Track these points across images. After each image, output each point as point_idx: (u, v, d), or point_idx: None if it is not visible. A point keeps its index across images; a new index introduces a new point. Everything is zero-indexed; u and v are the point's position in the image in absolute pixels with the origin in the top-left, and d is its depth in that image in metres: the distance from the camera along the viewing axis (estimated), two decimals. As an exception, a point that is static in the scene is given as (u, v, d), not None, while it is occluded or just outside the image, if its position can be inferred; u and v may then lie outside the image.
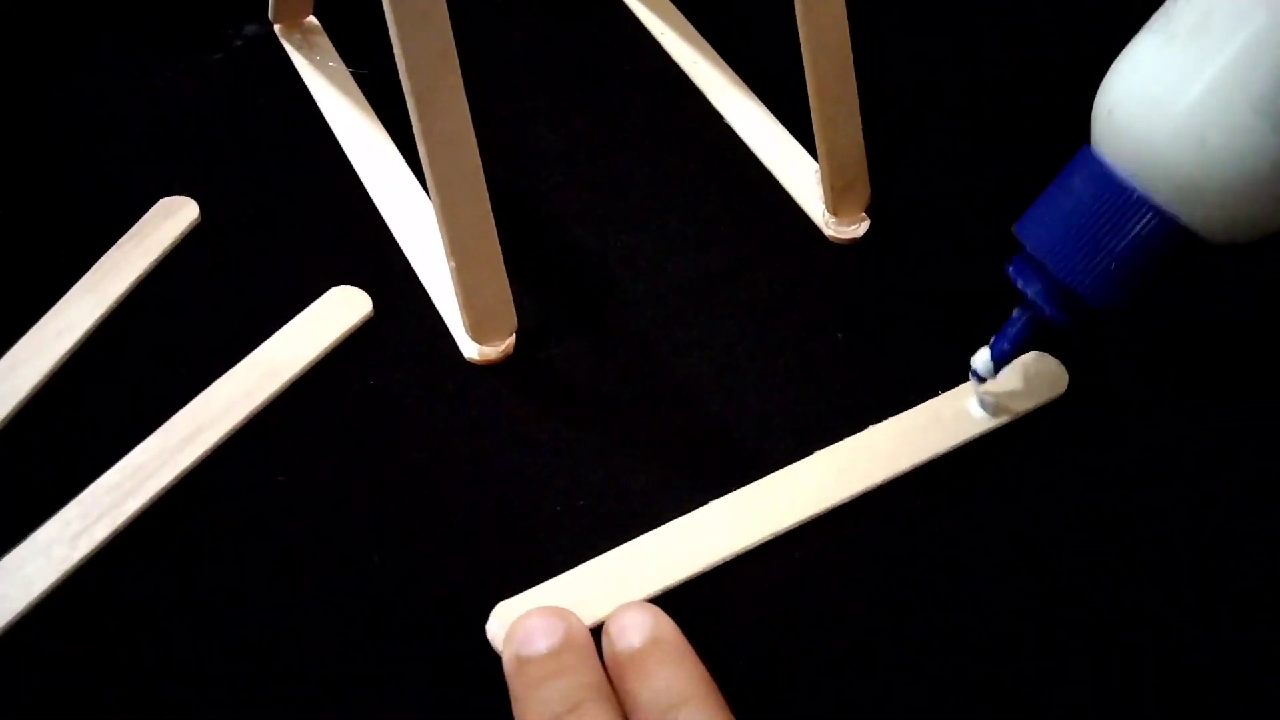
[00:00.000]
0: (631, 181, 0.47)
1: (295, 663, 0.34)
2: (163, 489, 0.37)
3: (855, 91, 0.42)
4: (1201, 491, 0.38)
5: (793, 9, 0.40)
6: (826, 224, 0.45)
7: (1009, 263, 0.34)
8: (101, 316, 0.41)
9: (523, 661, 0.31)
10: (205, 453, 0.37)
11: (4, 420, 0.38)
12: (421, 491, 0.37)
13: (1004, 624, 0.35)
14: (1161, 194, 0.30)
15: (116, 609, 0.35)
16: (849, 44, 0.41)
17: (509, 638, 0.32)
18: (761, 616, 0.35)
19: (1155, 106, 0.29)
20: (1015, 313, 0.35)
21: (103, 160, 0.46)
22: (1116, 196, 0.30)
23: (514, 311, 0.40)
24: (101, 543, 0.35)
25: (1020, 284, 0.34)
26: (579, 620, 0.32)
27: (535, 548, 0.36)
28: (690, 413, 0.40)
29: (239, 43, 0.50)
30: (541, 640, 0.32)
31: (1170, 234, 0.30)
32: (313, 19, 0.51)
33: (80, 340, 0.40)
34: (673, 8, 0.53)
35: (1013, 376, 0.39)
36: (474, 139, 0.36)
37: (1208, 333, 0.42)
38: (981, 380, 0.37)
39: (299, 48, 0.50)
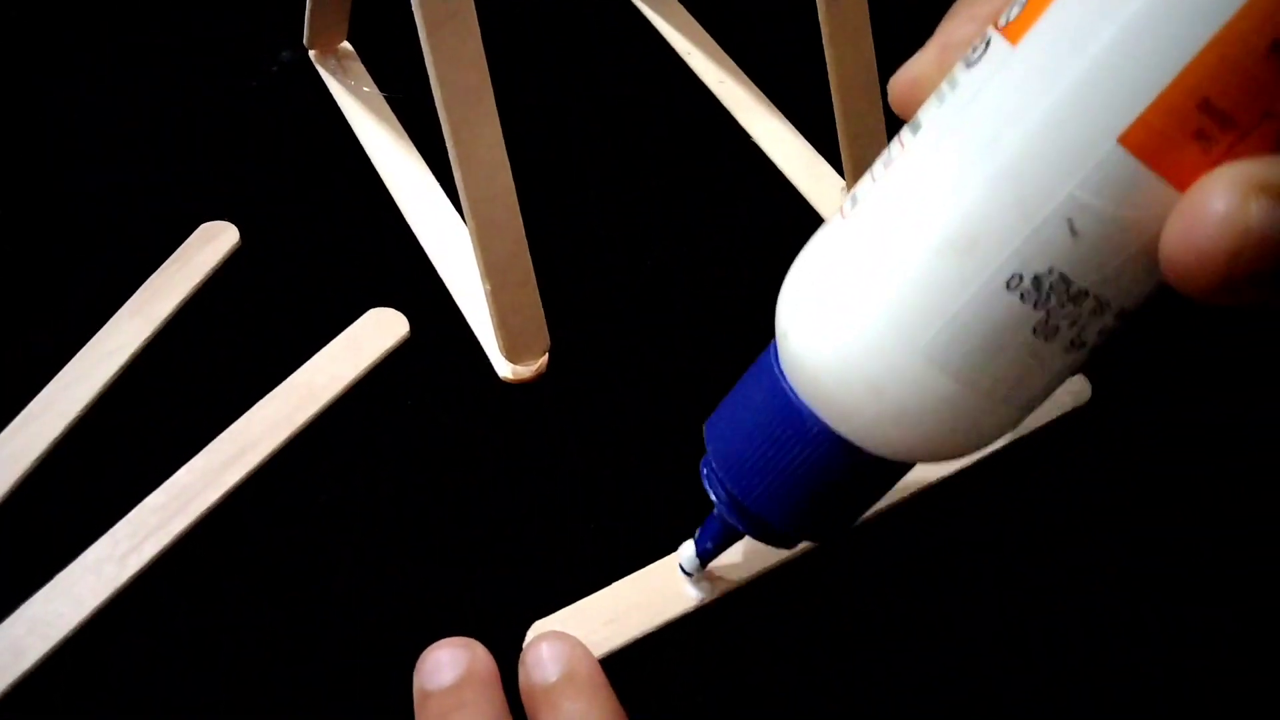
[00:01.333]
0: (660, 201, 0.47)
1: (335, 678, 0.35)
2: (208, 508, 0.38)
3: (881, 108, 0.43)
4: (1222, 501, 0.38)
5: (818, 28, 0.41)
6: (853, 241, 0.45)
7: (703, 462, 0.31)
8: (147, 339, 0.42)
9: (426, 694, 0.31)
10: (248, 473, 0.38)
11: (55, 441, 0.39)
12: (458, 510, 0.38)
13: (1019, 635, 0.35)
14: (838, 427, 0.26)
15: (164, 625, 0.36)
16: (874, 62, 0.42)
17: (417, 669, 0.32)
18: (790, 633, 0.36)
19: (828, 346, 0.24)
20: (714, 511, 0.33)
21: (145, 186, 0.47)
22: (790, 418, 0.26)
23: (547, 331, 0.41)
24: (150, 560, 0.36)
25: (709, 489, 0.31)
26: (484, 652, 0.32)
27: (570, 565, 0.37)
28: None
29: (275, 69, 0.51)
30: (445, 673, 0.31)
31: (852, 459, 0.26)
32: (347, 44, 0.52)
33: (127, 362, 0.41)
34: (699, 28, 0.53)
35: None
36: (508, 164, 0.37)
37: (1227, 343, 0.42)
38: (690, 576, 0.35)
39: (334, 73, 0.51)
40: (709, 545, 0.34)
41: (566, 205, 0.47)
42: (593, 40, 0.54)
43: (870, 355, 0.24)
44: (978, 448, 0.25)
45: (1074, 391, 0.40)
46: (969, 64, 0.22)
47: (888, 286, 0.23)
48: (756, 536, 0.30)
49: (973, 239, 0.22)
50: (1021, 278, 0.21)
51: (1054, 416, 0.40)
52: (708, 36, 0.53)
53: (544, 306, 0.40)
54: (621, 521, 0.38)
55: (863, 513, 0.29)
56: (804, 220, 0.46)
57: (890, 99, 0.26)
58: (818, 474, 0.27)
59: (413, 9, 0.34)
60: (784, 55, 0.51)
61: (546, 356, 0.41)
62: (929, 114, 0.23)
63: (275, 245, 0.45)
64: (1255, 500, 0.38)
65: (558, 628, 0.35)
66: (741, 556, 0.36)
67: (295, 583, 0.36)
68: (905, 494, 0.38)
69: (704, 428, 0.30)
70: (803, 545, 0.33)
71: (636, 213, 0.47)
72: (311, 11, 0.49)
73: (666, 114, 0.51)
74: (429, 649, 0.32)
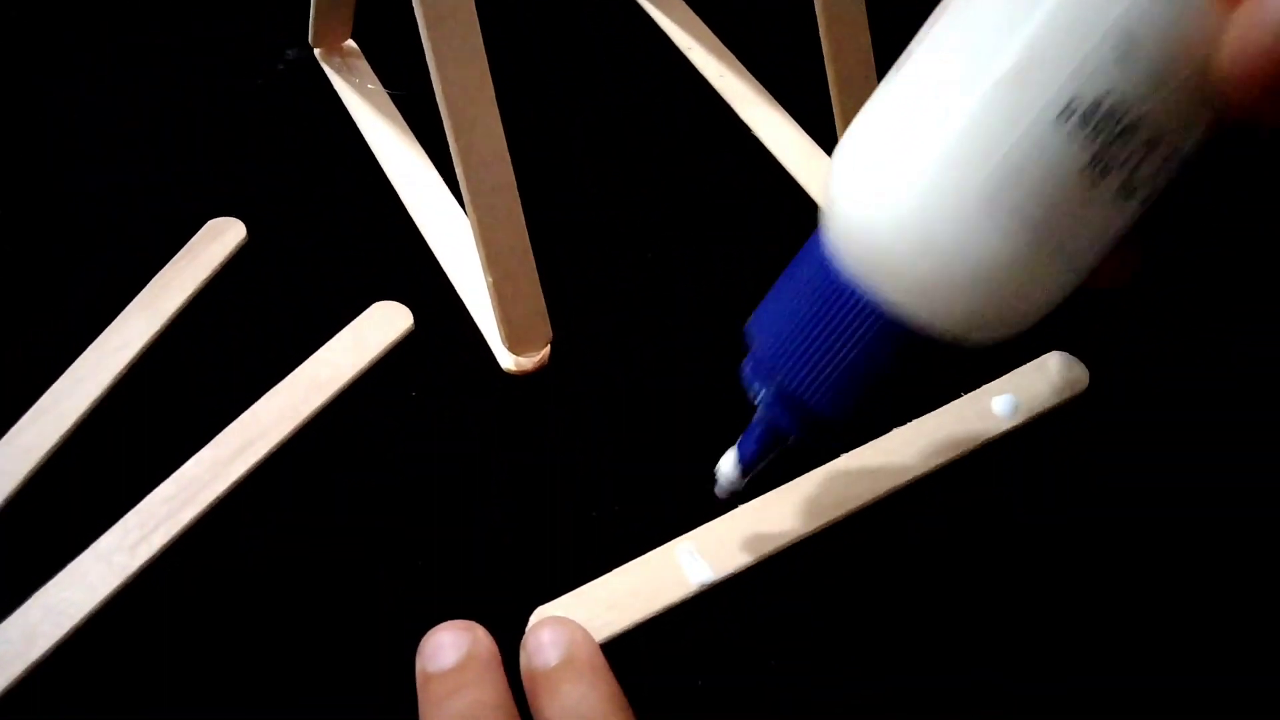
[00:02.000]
0: (661, 193, 0.48)
1: (342, 660, 0.35)
2: (216, 499, 0.38)
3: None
4: (1218, 490, 0.38)
5: (816, 22, 0.41)
6: (852, 232, 0.46)
7: (745, 361, 0.30)
8: (156, 333, 0.42)
9: (428, 677, 0.32)
10: (256, 463, 0.39)
11: (67, 434, 0.40)
12: (462, 497, 0.39)
13: (1025, 621, 0.36)
14: (891, 298, 0.25)
15: (173, 612, 0.36)
16: (871, 54, 0.42)
17: (420, 651, 0.32)
18: (790, 618, 0.36)
19: (877, 197, 0.24)
20: (756, 415, 0.31)
21: (152, 183, 0.48)
22: (843, 301, 0.26)
23: (549, 323, 0.41)
24: (159, 550, 0.37)
25: (752, 391, 0.30)
26: (485, 634, 0.32)
27: (572, 552, 0.37)
28: (722, 418, 0.41)
29: (281, 67, 0.52)
30: (447, 655, 0.32)
31: (904, 340, 0.26)
32: (351, 42, 0.52)
33: (136, 356, 0.42)
34: (699, 22, 0.54)
35: (1034, 375, 0.40)
36: (508, 158, 0.38)
37: (1228, 332, 0.43)
38: (729, 491, 0.33)
39: (339, 70, 0.52)
40: (753, 449, 0.32)
41: (568, 197, 0.47)
42: (593, 35, 0.54)
43: (924, 202, 0.23)
44: (1024, 317, 0.25)
45: (1072, 380, 0.40)
46: None
47: (940, 130, 0.23)
48: (802, 434, 0.29)
49: (1023, 71, 0.22)
50: (1074, 109, 0.21)
51: (1052, 404, 0.40)
52: (708, 30, 0.53)
53: (545, 298, 0.41)
54: (622, 509, 0.38)
55: (908, 397, 0.28)
56: (803, 211, 0.47)
57: None
58: (868, 353, 0.26)
59: (413, 5, 0.35)
60: (783, 49, 0.51)
61: (548, 348, 0.42)
62: None
63: (281, 240, 0.46)
64: (1254, 488, 0.39)
65: (559, 613, 0.35)
66: (742, 542, 0.37)
67: (302, 570, 0.37)
68: (904, 480, 0.38)
69: (745, 329, 0.29)
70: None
71: (637, 204, 0.47)
72: (316, 10, 0.50)
73: (667, 107, 0.51)
74: (431, 631, 0.32)
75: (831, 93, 0.43)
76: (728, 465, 0.33)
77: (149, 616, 0.36)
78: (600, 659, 0.32)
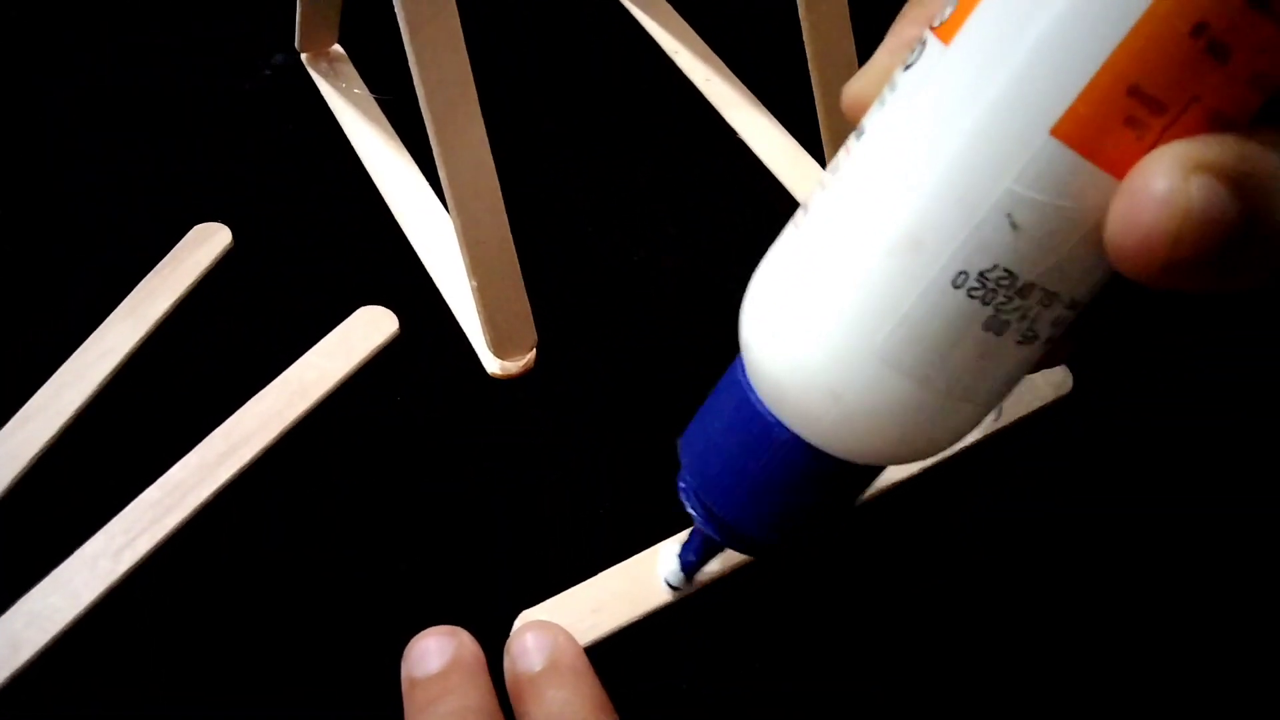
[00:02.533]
0: (647, 197, 0.48)
1: (327, 667, 0.35)
2: (201, 504, 0.38)
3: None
4: (1203, 490, 0.39)
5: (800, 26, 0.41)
6: (838, 235, 0.46)
7: (679, 477, 0.30)
8: (141, 339, 0.42)
9: (413, 682, 0.32)
10: (241, 468, 0.39)
11: (52, 439, 0.40)
12: (446, 502, 0.39)
13: (1009, 620, 0.36)
14: (804, 434, 0.26)
15: (158, 618, 0.36)
16: (855, 58, 0.42)
17: (405, 656, 0.32)
18: (774, 621, 0.36)
19: (786, 355, 0.25)
20: (693, 526, 0.33)
21: (139, 187, 0.48)
22: (757, 429, 0.27)
23: (534, 327, 0.41)
24: (144, 556, 0.37)
25: (686, 504, 0.30)
26: (470, 639, 0.33)
27: (556, 556, 0.37)
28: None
29: (268, 71, 0.52)
30: (432, 660, 0.32)
31: (821, 465, 0.26)
32: (338, 47, 0.53)
33: (121, 362, 0.42)
34: (686, 26, 0.54)
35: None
36: (492, 162, 0.38)
37: (1207, 333, 0.43)
38: (675, 589, 0.36)
39: (325, 75, 0.52)
40: (692, 559, 0.34)
41: (553, 201, 0.48)
42: (579, 38, 0.54)
43: (826, 360, 0.24)
44: (940, 448, 0.25)
45: (1055, 383, 0.41)
46: (907, 66, 0.22)
47: (839, 290, 0.23)
48: (735, 548, 0.30)
49: (917, 239, 0.22)
50: (967, 275, 0.21)
51: (1035, 408, 0.40)
52: (694, 34, 0.54)
53: (531, 302, 0.41)
54: (606, 513, 0.38)
55: (836, 518, 0.29)
56: (789, 214, 0.47)
57: (843, 107, 0.26)
58: (788, 480, 0.27)
59: (395, 10, 0.35)
60: (768, 53, 0.52)
61: (534, 352, 0.42)
62: (871, 119, 0.23)
63: (267, 245, 0.46)
64: (1239, 489, 0.39)
65: (544, 617, 0.35)
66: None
67: (287, 575, 0.37)
68: (886, 486, 0.38)
69: (678, 444, 0.30)
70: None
71: (623, 208, 0.47)
72: (303, 15, 0.50)
73: (653, 111, 0.51)
74: (416, 637, 0.33)
75: (816, 98, 0.43)
76: (669, 568, 0.36)
77: (134, 622, 0.36)
78: (584, 663, 0.33)
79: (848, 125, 0.44)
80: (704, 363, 0.42)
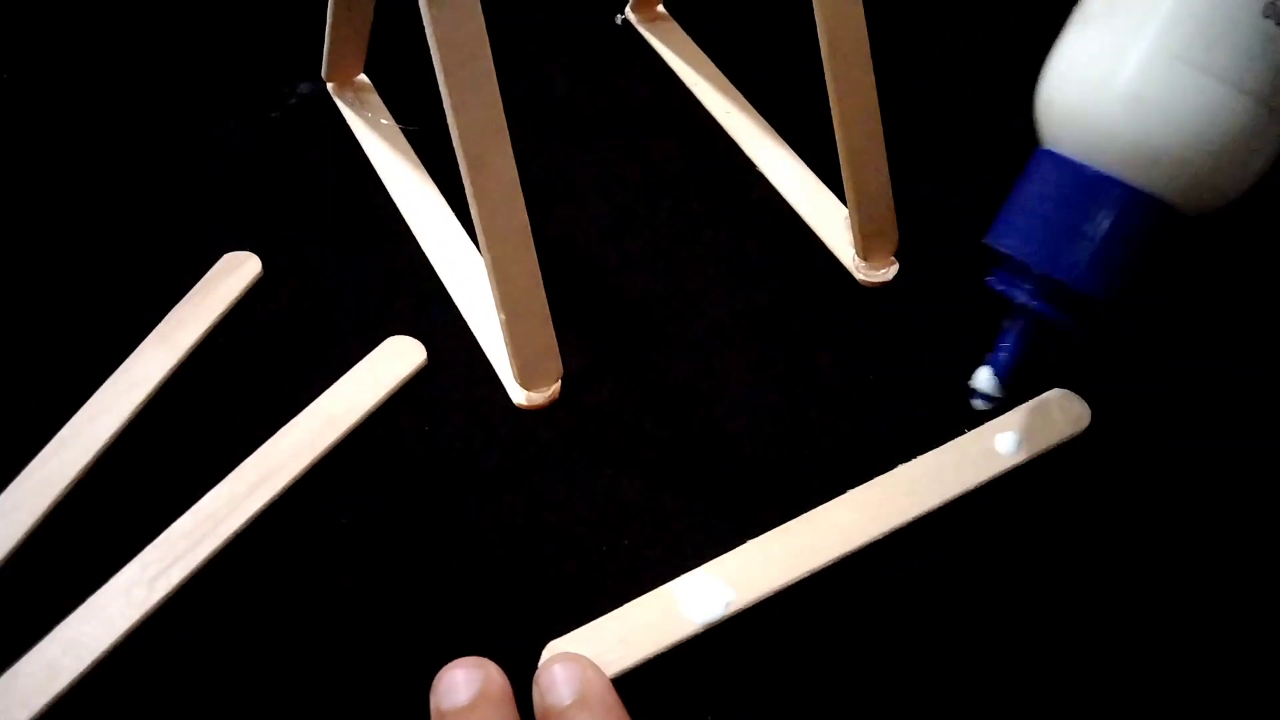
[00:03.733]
0: (669, 229, 0.49)
1: (356, 697, 0.36)
2: (233, 533, 0.39)
3: (882, 141, 0.44)
4: (1221, 525, 0.39)
5: (821, 62, 0.42)
6: (857, 268, 0.47)
7: (989, 276, 0.35)
8: (172, 368, 0.43)
9: (442, 715, 0.32)
10: (272, 498, 0.40)
11: (85, 468, 0.40)
12: (474, 532, 0.39)
13: (1031, 657, 0.37)
14: (1118, 167, 0.31)
15: (191, 645, 0.37)
16: (875, 95, 0.43)
17: (433, 688, 0.33)
18: (800, 652, 0.37)
19: (1088, 85, 0.30)
20: (1006, 323, 0.35)
21: (170, 216, 0.49)
22: (1078, 181, 0.31)
23: (559, 359, 0.42)
24: (178, 585, 0.38)
25: (1007, 291, 0.34)
26: (498, 671, 0.33)
27: (585, 585, 0.38)
28: (728, 454, 0.41)
29: (294, 100, 0.53)
30: (460, 692, 0.32)
31: (1139, 204, 0.31)
32: (364, 77, 0.53)
33: (153, 391, 0.42)
34: (706, 59, 0.55)
35: (1036, 413, 0.41)
36: (522, 201, 0.39)
37: (1231, 368, 0.43)
38: (989, 401, 0.36)
39: (351, 105, 0.52)
40: (1004, 356, 0.35)
41: (577, 231, 0.48)
42: (603, 75, 0.55)
43: (1130, 73, 0.29)
44: (1244, 169, 0.30)
45: (1074, 419, 0.41)
46: None
47: (1135, 11, 0.29)
48: (1058, 322, 0.34)
49: None
50: None
51: (1053, 443, 0.41)
52: (715, 69, 0.54)
53: (557, 333, 0.42)
54: (633, 543, 0.39)
55: (1148, 267, 0.32)
56: (809, 247, 0.48)
57: None
58: (1113, 226, 0.31)
59: (431, 53, 0.36)
60: (788, 87, 0.52)
61: (559, 383, 0.43)
62: None
63: (297, 274, 0.47)
64: (1259, 520, 0.39)
65: (572, 648, 0.36)
66: (753, 577, 0.38)
67: (317, 604, 0.38)
68: (908, 518, 0.39)
69: (986, 241, 0.34)
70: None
71: (645, 240, 0.48)
72: (330, 45, 0.51)
73: (674, 144, 0.52)
74: (444, 669, 0.33)
75: (836, 131, 0.44)
76: (984, 379, 0.36)
77: (168, 650, 0.37)
78: (613, 696, 0.33)
79: (866, 160, 0.45)
80: (727, 392, 0.43)
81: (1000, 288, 0.34)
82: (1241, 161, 0.30)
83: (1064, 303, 0.33)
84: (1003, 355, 0.35)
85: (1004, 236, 0.33)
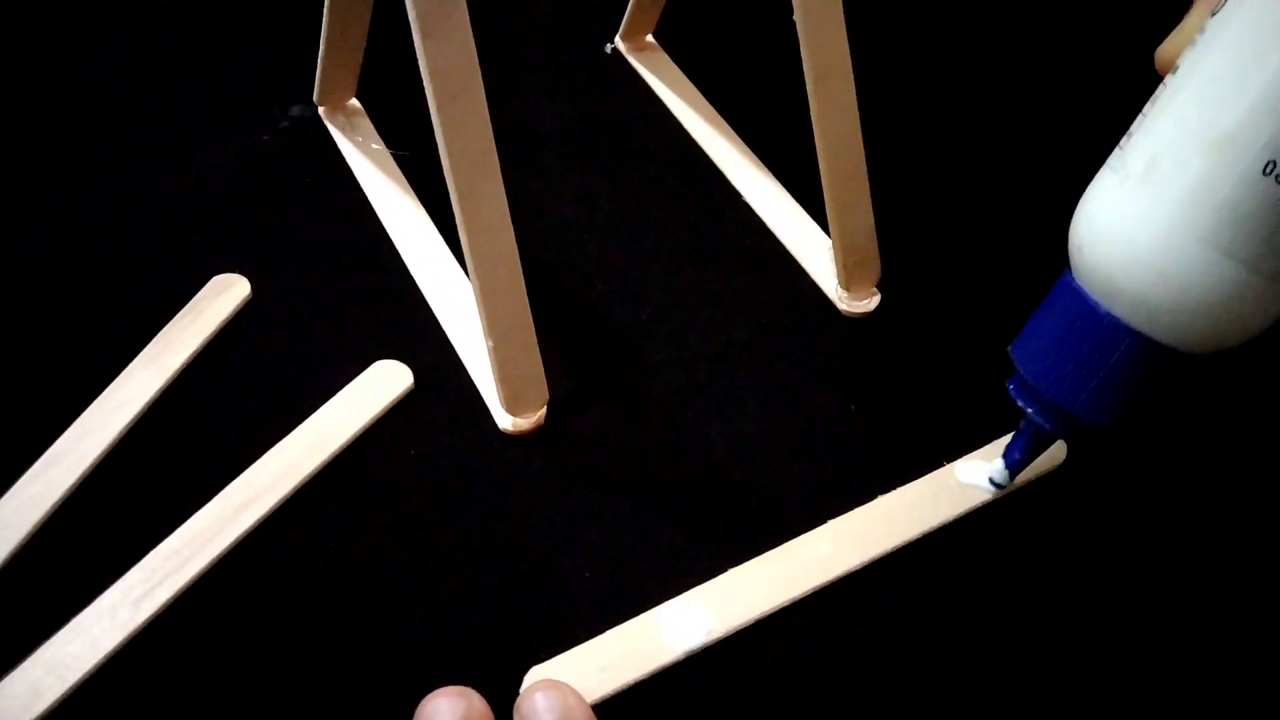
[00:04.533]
0: (654, 257, 0.49)
1: (340, 718, 0.36)
2: (220, 554, 0.39)
3: (865, 173, 0.45)
4: (1198, 559, 0.40)
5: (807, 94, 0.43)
6: (839, 298, 0.47)
7: (1009, 381, 0.37)
8: (161, 389, 0.43)
9: None
10: (259, 520, 0.40)
11: (72, 488, 0.40)
12: (460, 556, 0.40)
13: (1008, 686, 0.37)
14: (1134, 320, 0.33)
15: (176, 667, 0.37)
16: (859, 128, 0.44)
17: (416, 717, 0.33)
18: (780, 681, 0.37)
19: (1116, 246, 0.32)
20: (1022, 424, 0.39)
21: (158, 238, 0.49)
22: (1095, 323, 0.33)
23: (545, 385, 0.43)
24: (163, 605, 0.38)
25: (1020, 403, 0.37)
26: (480, 700, 0.33)
27: (567, 612, 0.38)
28: (711, 481, 0.42)
29: (285, 124, 0.53)
30: None
31: (1148, 352, 0.33)
32: (355, 101, 0.54)
33: (141, 411, 0.43)
34: (694, 89, 0.56)
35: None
36: (511, 229, 0.39)
37: (1209, 404, 0.44)
38: (1001, 488, 0.41)
39: (342, 129, 0.53)
40: (1018, 456, 0.39)
41: (564, 258, 0.49)
42: (591, 103, 0.56)
43: (1155, 247, 0.31)
44: (1250, 332, 0.32)
45: (1050, 455, 0.42)
46: (1214, 13, 0.31)
47: (1165, 188, 0.31)
48: (1065, 435, 0.37)
49: (1231, 137, 0.29)
50: (1275, 164, 0.29)
51: (1031, 477, 0.41)
52: (702, 98, 0.55)
53: (543, 361, 0.42)
54: (616, 569, 0.39)
55: (1153, 403, 0.34)
56: (793, 276, 0.48)
57: (1157, 65, 0.36)
58: (1117, 365, 0.33)
59: (424, 84, 0.36)
60: (774, 118, 0.53)
61: (545, 409, 0.43)
62: (1186, 56, 0.31)
63: (285, 297, 0.47)
64: (1232, 559, 0.40)
65: (553, 674, 0.36)
66: (735, 605, 0.38)
67: (302, 626, 0.38)
68: (884, 550, 0.39)
69: (1009, 351, 0.37)
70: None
71: (630, 268, 0.49)
72: (322, 69, 0.51)
73: (661, 172, 0.53)
74: (427, 698, 0.33)
75: (820, 161, 0.44)
76: (998, 472, 0.40)
77: (153, 671, 0.37)
78: None
79: (850, 192, 0.46)
80: (711, 418, 0.43)
81: (1017, 401, 0.37)
82: (1259, 325, 0.32)
83: (1068, 422, 0.36)
84: (1016, 457, 0.39)
85: (1023, 356, 0.36)
